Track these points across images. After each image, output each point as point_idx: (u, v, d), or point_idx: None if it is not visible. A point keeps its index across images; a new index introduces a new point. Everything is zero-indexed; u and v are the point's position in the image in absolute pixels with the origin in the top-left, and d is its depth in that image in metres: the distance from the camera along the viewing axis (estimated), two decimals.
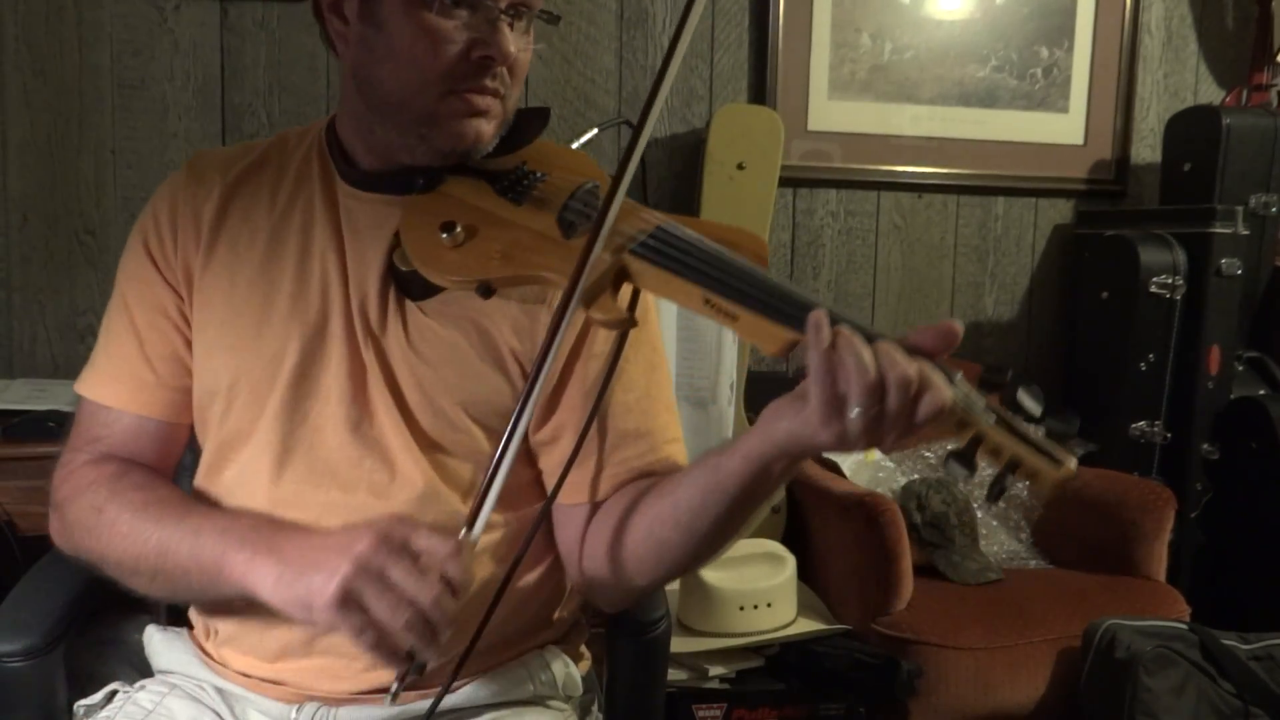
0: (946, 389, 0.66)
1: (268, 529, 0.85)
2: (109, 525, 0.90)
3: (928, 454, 2.38)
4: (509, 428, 0.79)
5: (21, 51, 2.23)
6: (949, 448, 0.70)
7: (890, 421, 0.67)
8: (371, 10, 0.87)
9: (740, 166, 2.37)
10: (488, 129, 0.89)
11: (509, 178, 0.89)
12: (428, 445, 0.92)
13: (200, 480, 0.99)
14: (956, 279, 2.80)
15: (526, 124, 0.94)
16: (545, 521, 0.96)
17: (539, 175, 0.89)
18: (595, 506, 0.94)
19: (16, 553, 1.70)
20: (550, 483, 0.95)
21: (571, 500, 0.95)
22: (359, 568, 0.74)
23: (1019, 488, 2.39)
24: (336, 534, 0.80)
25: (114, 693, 0.99)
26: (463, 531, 0.79)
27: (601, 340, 0.93)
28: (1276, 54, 2.72)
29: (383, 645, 0.74)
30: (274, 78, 2.34)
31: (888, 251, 2.74)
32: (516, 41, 0.88)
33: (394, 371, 0.91)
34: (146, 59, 2.28)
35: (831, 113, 2.63)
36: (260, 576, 0.80)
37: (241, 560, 0.81)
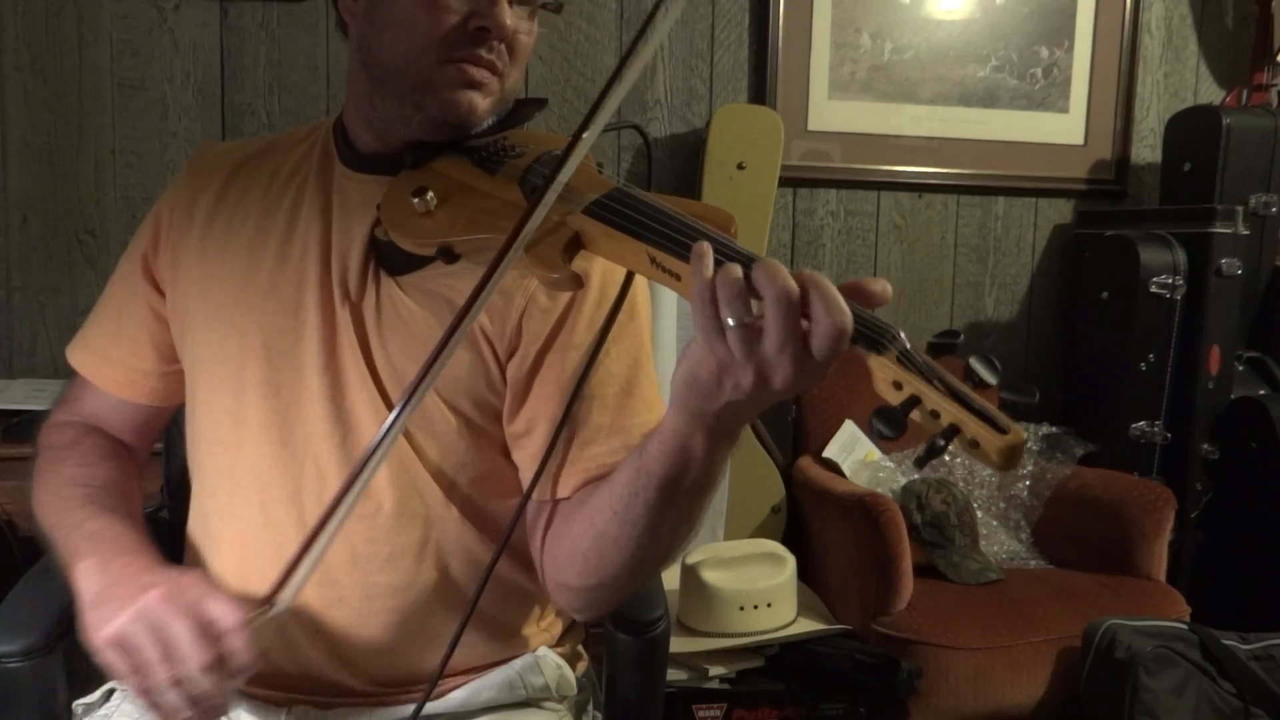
0: (843, 308, 0.61)
1: (121, 552, 0.86)
2: (41, 487, 0.97)
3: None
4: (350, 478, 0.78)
5: (21, 51, 2.23)
6: (879, 406, 0.64)
7: (774, 337, 0.62)
8: None
9: (740, 166, 2.37)
10: (482, 103, 0.89)
11: (487, 150, 0.89)
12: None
13: (189, 451, 1.01)
14: (956, 279, 2.80)
15: (521, 110, 0.95)
16: (522, 520, 0.95)
17: (517, 150, 0.89)
18: (561, 501, 0.92)
19: (16, 553, 1.70)
20: (525, 478, 0.94)
21: (541, 495, 0.92)
22: (140, 614, 0.75)
23: (1020, 487, 2.39)
24: (158, 577, 0.80)
25: (112, 691, 1.00)
26: (254, 612, 0.78)
27: (581, 331, 0.92)
28: (1276, 54, 2.72)
29: (149, 696, 0.74)
30: (274, 78, 2.34)
31: (888, 251, 2.74)
32: (517, 22, 0.89)
33: (368, 342, 0.92)
34: (146, 59, 2.28)
35: (831, 113, 2.63)
36: (84, 589, 0.83)
37: (82, 568, 0.84)
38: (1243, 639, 1.89)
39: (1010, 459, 0.60)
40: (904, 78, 2.67)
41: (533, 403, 0.92)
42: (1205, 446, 2.45)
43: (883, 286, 0.65)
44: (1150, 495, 2.18)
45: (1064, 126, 2.78)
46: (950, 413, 0.61)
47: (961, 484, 2.34)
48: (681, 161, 2.56)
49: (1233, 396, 2.46)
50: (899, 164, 2.69)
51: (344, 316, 0.92)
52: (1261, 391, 2.49)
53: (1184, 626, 1.91)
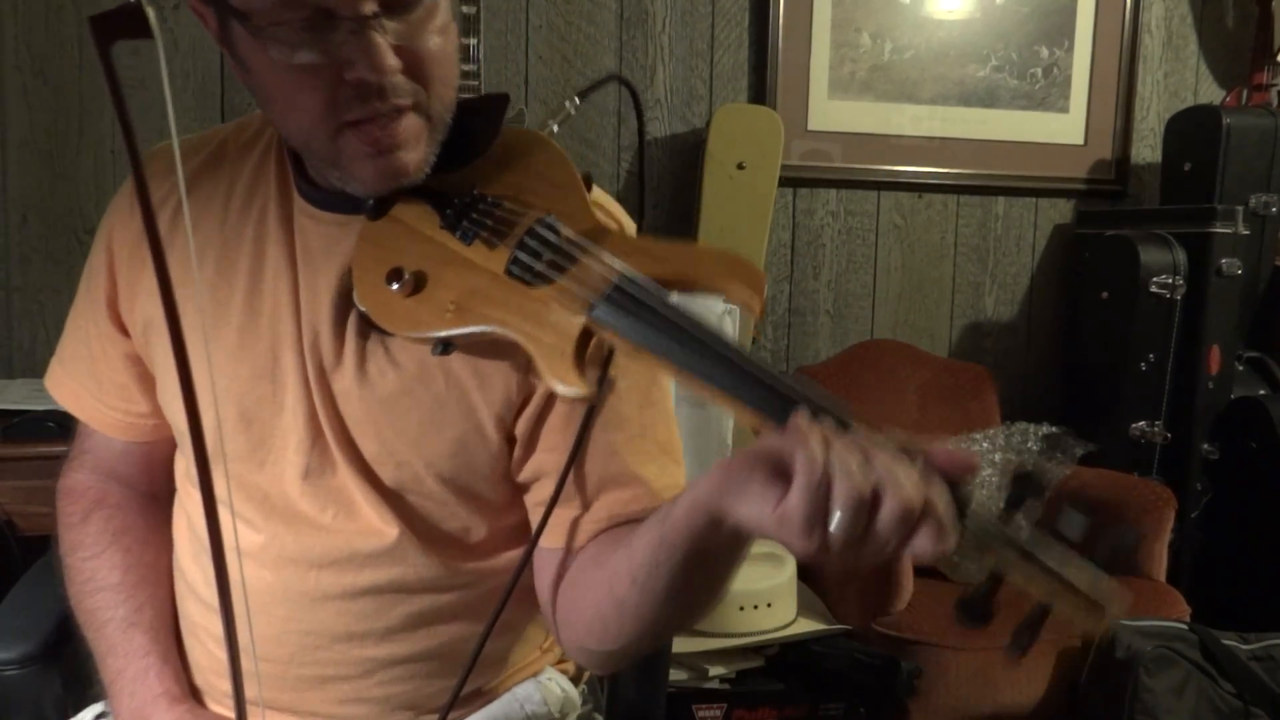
0: (950, 532, 0.56)
1: (143, 701, 0.89)
2: (66, 580, 0.96)
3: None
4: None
5: (21, 51, 2.22)
6: (960, 595, 0.58)
7: (876, 543, 0.57)
8: (235, 52, 0.74)
9: (740, 166, 2.37)
10: (410, 158, 0.75)
11: (454, 207, 0.76)
12: (394, 498, 0.84)
13: (178, 520, 0.96)
14: (956, 279, 2.79)
15: (478, 121, 0.80)
16: (529, 565, 0.89)
17: (490, 201, 0.76)
18: (573, 553, 0.85)
19: (16, 553, 1.70)
20: (535, 525, 0.86)
21: (549, 544, 0.85)
22: None
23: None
24: None
25: (102, 715, 0.96)
26: None
27: None
28: (1276, 54, 2.71)
29: None
30: None
31: (888, 251, 2.74)
32: (407, 36, 0.73)
33: (346, 419, 0.83)
34: (146, 59, 2.27)
35: (831, 113, 2.63)
36: None
37: (118, 710, 0.90)
38: (1243, 639, 1.89)
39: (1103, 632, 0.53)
40: (904, 78, 2.67)
41: (540, 453, 0.85)
42: (1205, 446, 2.45)
43: (973, 470, 0.59)
44: (1150, 495, 2.18)
45: (1064, 126, 2.78)
46: (1042, 589, 0.55)
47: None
48: (681, 161, 2.56)
49: (1233, 396, 2.46)
50: (899, 164, 2.68)
51: (320, 391, 0.82)
52: (1261, 391, 2.49)
53: (1184, 626, 1.91)
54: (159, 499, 0.99)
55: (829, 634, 2.00)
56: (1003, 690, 1.92)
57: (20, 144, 2.24)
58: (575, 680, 1.03)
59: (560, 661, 1.03)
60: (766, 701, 1.94)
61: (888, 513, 0.56)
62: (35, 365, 2.26)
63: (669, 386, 0.89)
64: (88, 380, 0.95)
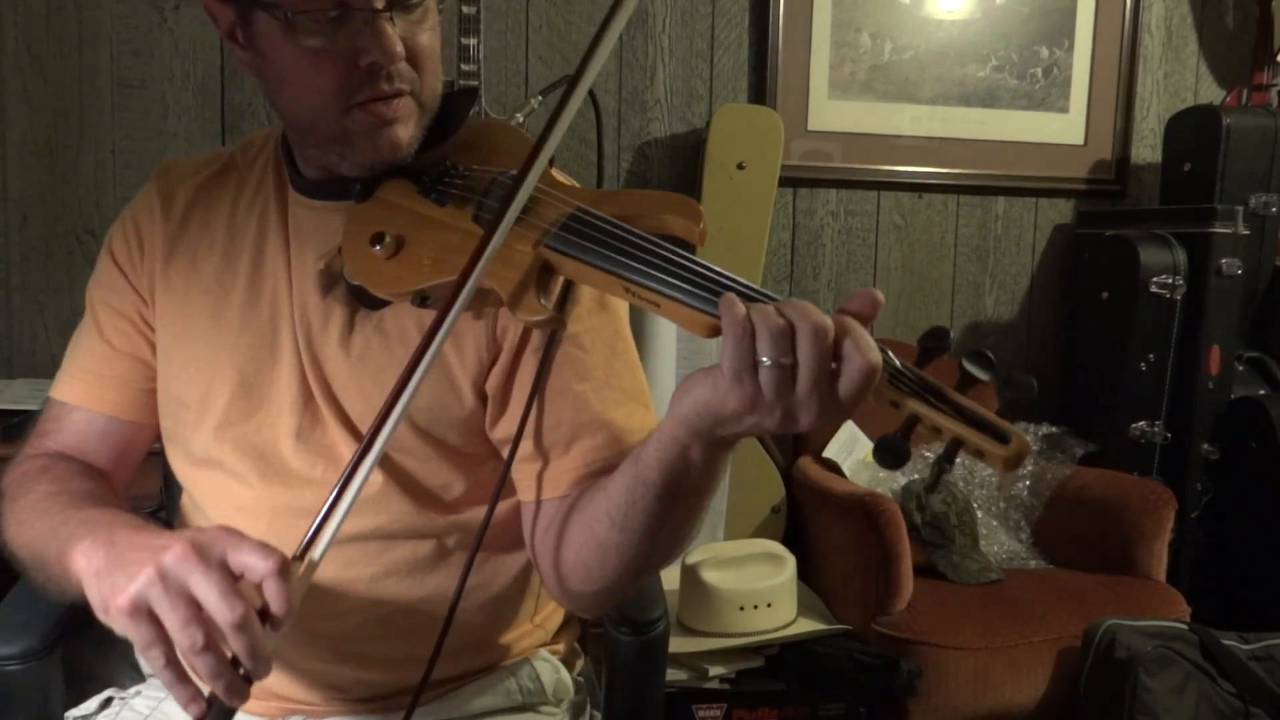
0: (874, 350, 0.62)
1: (124, 525, 0.76)
2: (13, 515, 0.89)
3: (927, 453, 2.38)
4: (365, 441, 0.73)
5: (21, 51, 2.23)
6: (880, 437, 0.64)
7: (807, 377, 0.62)
8: (254, 39, 0.84)
9: (740, 166, 2.37)
10: (404, 134, 0.85)
11: (430, 175, 0.86)
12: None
13: (183, 492, 1.00)
14: (956, 279, 2.79)
15: (453, 109, 0.91)
16: (517, 520, 0.94)
17: (461, 169, 0.86)
18: (555, 502, 0.90)
19: None
20: (520, 482, 0.92)
21: (540, 496, 0.91)
22: (158, 574, 0.65)
23: (1020, 487, 2.40)
24: (166, 536, 0.71)
25: (109, 700, 0.98)
26: (293, 557, 0.69)
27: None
28: (1276, 54, 2.71)
29: (173, 667, 0.66)
30: None
31: (888, 251, 2.74)
32: (409, 30, 0.84)
33: (332, 382, 0.90)
34: (146, 59, 2.28)
35: (831, 113, 2.63)
36: (85, 566, 0.73)
37: (81, 549, 0.74)
38: (1243, 639, 1.89)
39: (1014, 466, 0.61)
40: (904, 78, 2.67)
41: (512, 409, 0.90)
42: (1205, 446, 2.45)
43: (876, 301, 0.65)
44: (1150, 495, 2.18)
45: (1064, 126, 2.78)
46: (950, 428, 0.62)
47: (961, 484, 2.34)
48: (681, 161, 2.56)
49: (1233, 396, 2.46)
50: (899, 164, 2.69)
51: (308, 357, 0.90)
52: (1261, 391, 2.49)
53: (1184, 626, 1.91)
54: (116, 488, 0.99)
55: (829, 634, 2.01)
56: (1003, 690, 1.92)
57: (20, 144, 2.24)
58: (568, 667, 1.06)
59: (552, 644, 1.06)
60: (766, 701, 1.94)
61: (806, 338, 0.62)
62: (35, 365, 2.27)
63: (631, 339, 0.95)
64: (94, 363, 0.98)
